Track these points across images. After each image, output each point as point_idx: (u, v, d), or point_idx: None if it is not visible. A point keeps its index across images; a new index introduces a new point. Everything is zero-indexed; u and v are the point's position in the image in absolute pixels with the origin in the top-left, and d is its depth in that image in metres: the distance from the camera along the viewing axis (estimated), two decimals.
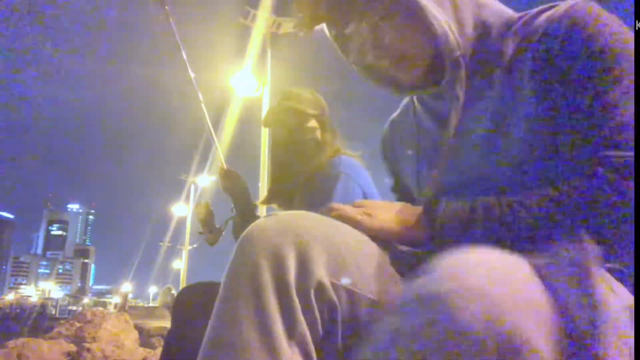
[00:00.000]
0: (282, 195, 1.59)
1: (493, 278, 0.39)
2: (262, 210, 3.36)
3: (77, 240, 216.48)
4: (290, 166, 1.51)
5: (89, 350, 3.84)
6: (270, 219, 0.56)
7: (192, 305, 1.29)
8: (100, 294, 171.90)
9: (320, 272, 0.52)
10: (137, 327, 5.28)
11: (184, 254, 21.41)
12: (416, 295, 0.40)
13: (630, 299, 0.50)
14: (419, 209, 0.65)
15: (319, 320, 0.52)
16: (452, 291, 0.38)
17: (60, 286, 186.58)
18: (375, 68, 0.74)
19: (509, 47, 0.67)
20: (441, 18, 0.65)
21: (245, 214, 1.64)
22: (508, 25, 0.69)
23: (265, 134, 7.16)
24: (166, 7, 1.58)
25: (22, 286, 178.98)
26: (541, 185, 0.60)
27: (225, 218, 1.74)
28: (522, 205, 0.58)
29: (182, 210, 23.09)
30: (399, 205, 0.68)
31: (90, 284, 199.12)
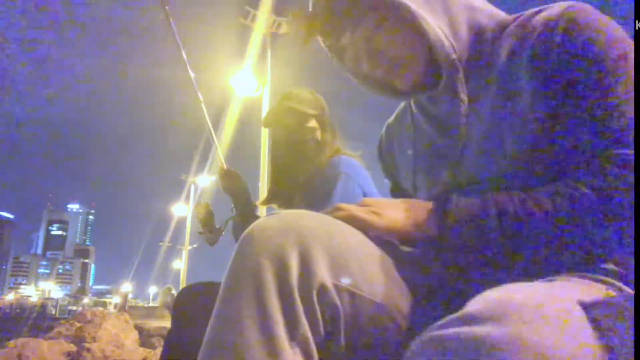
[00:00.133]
0: (282, 196, 1.59)
1: (544, 325, 0.36)
2: (262, 210, 3.36)
3: (77, 240, 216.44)
4: (290, 166, 1.51)
5: (89, 350, 3.84)
6: (271, 219, 0.56)
7: (192, 305, 1.29)
8: (100, 294, 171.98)
9: (323, 274, 0.52)
10: (137, 327, 5.28)
11: (184, 254, 21.42)
12: (459, 337, 0.37)
13: None
14: (427, 206, 0.63)
15: (321, 322, 0.52)
16: (504, 340, 0.34)
17: (60, 286, 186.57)
18: (372, 76, 0.75)
19: (504, 49, 0.67)
20: (434, 24, 0.65)
21: (245, 214, 1.64)
22: (502, 27, 0.69)
23: (265, 134, 7.16)
24: (166, 7, 1.58)
25: (22, 286, 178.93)
26: (545, 184, 0.59)
27: (225, 218, 1.75)
28: (535, 201, 0.57)
29: (182, 210, 23.11)
30: (406, 202, 0.66)
31: (90, 284, 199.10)
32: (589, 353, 0.36)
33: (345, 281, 0.54)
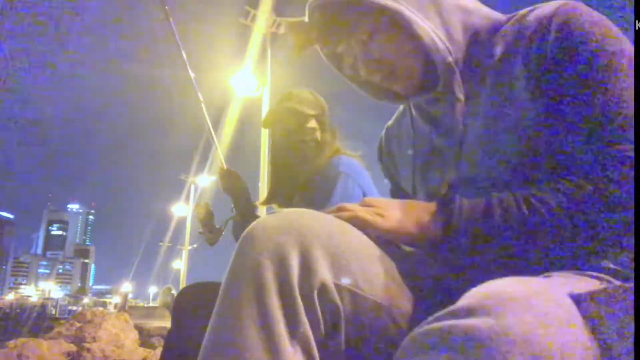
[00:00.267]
0: (282, 196, 1.59)
1: (536, 318, 0.36)
2: (262, 210, 3.36)
3: (77, 240, 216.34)
4: (290, 167, 1.52)
5: (89, 350, 3.84)
6: (272, 218, 0.56)
7: (192, 306, 1.29)
8: (100, 294, 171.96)
9: (324, 273, 0.52)
10: (137, 327, 5.27)
11: (184, 254, 21.42)
12: (448, 330, 0.37)
13: None
14: (431, 207, 0.63)
15: (322, 321, 0.52)
16: (492, 333, 0.34)
17: (60, 286, 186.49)
18: (370, 82, 0.76)
19: (499, 49, 0.67)
20: (428, 28, 0.66)
21: (245, 214, 1.64)
22: (496, 27, 0.70)
23: (265, 134, 7.16)
24: (166, 7, 1.58)
25: (22, 286, 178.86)
26: (543, 182, 0.60)
27: (225, 218, 1.74)
28: (538, 199, 0.57)
29: (182, 210, 23.10)
30: (409, 203, 0.66)
31: (90, 284, 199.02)
32: (578, 344, 0.36)
33: (345, 280, 0.54)
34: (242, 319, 0.49)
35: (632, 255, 0.55)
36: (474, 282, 0.55)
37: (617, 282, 0.53)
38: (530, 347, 0.33)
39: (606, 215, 0.54)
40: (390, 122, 0.93)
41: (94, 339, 4.14)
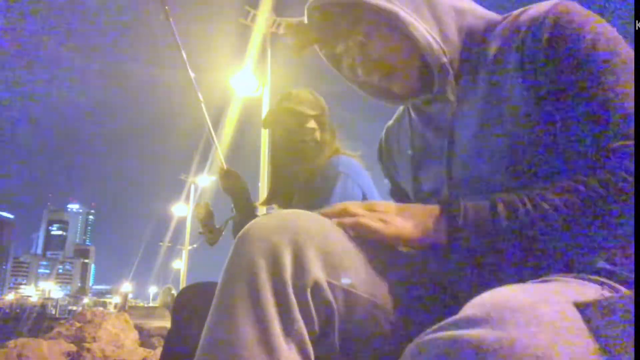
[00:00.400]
0: (281, 196, 1.59)
1: (539, 328, 0.35)
2: (262, 210, 3.35)
3: (77, 240, 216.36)
4: (289, 167, 1.52)
5: (89, 350, 3.84)
6: (267, 218, 0.56)
7: (192, 305, 1.29)
8: (100, 294, 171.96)
9: (317, 271, 0.53)
10: (137, 327, 5.28)
11: (184, 254, 21.42)
12: (454, 340, 0.37)
13: None
14: (434, 210, 0.61)
15: (316, 319, 0.53)
16: (498, 344, 0.34)
17: (60, 286, 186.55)
18: (369, 82, 0.77)
19: (493, 48, 0.68)
20: (423, 29, 0.66)
21: (245, 214, 1.64)
22: (492, 27, 0.70)
23: (265, 134, 7.16)
24: (166, 7, 1.58)
25: (22, 286, 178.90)
26: (546, 180, 0.59)
27: (225, 218, 1.75)
28: (543, 198, 0.56)
29: (182, 210, 23.11)
30: (413, 208, 0.64)
31: (90, 284, 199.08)
32: (584, 354, 0.36)
33: (339, 279, 0.54)
34: (238, 317, 0.50)
35: (632, 256, 0.55)
36: (476, 283, 0.55)
37: (619, 287, 0.53)
38: (537, 358, 0.33)
39: (607, 214, 0.54)
40: (390, 122, 0.94)
41: (94, 339, 4.14)
